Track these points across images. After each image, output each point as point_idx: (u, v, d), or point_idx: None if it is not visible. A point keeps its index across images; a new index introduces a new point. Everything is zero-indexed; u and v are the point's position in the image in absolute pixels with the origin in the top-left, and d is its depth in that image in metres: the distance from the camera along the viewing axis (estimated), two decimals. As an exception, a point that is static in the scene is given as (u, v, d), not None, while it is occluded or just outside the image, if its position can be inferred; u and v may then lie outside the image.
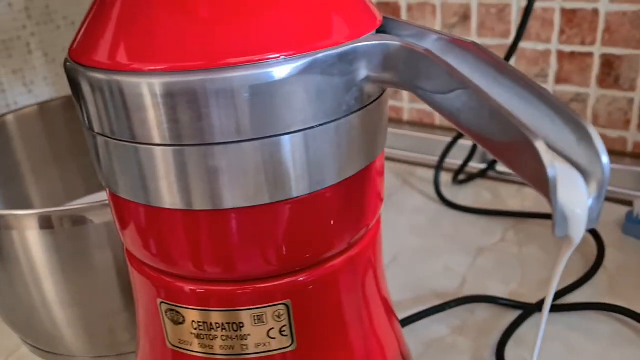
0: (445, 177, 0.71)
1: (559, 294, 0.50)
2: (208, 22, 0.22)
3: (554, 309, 0.49)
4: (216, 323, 0.27)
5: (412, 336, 0.48)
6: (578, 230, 0.20)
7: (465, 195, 0.68)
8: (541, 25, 0.67)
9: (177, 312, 0.28)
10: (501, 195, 0.67)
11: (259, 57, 0.22)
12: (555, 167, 0.18)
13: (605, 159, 0.19)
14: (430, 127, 0.80)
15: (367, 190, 0.28)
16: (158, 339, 0.29)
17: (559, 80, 0.69)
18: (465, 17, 0.72)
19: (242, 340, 0.28)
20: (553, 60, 0.68)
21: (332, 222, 0.27)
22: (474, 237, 0.60)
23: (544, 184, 0.18)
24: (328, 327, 0.29)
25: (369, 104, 0.25)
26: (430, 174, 0.72)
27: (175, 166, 0.23)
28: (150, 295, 0.28)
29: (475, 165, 0.71)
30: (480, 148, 0.72)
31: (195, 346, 0.28)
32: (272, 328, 0.27)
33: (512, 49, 0.60)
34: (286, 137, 0.23)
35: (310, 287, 0.28)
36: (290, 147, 0.23)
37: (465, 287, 0.53)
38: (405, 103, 0.81)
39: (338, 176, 0.26)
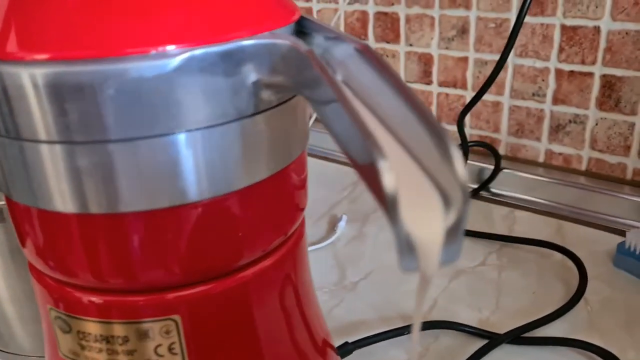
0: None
1: (532, 325, 0.47)
2: (97, 10, 0.20)
3: (525, 341, 0.46)
4: (101, 335, 0.25)
5: (368, 359, 0.45)
6: (429, 264, 0.17)
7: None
8: (540, 41, 0.64)
9: (63, 320, 0.26)
10: (492, 217, 0.64)
11: (133, 50, 0.20)
12: (395, 188, 0.15)
13: (463, 183, 0.16)
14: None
15: (281, 197, 0.26)
16: (54, 347, 0.27)
17: (556, 100, 0.66)
18: (463, 30, 0.69)
19: (128, 355, 0.25)
20: (551, 78, 0.65)
21: (239, 230, 0.24)
22: (453, 259, 0.57)
23: (387, 208, 0.16)
24: (230, 350, 0.26)
25: (271, 108, 0.23)
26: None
27: (65, 165, 0.22)
28: (42, 300, 0.26)
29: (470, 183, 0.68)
30: (473, 165, 0.69)
31: (83, 358, 0.26)
32: (160, 345, 0.25)
33: (500, 63, 0.57)
34: (179, 136, 0.21)
35: (210, 300, 0.25)
36: (184, 147, 0.22)
37: (433, 311, 0.50)
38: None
39: (244, 181, 0.23)
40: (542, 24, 0.64)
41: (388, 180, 0.15)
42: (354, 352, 0.46)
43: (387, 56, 0.78)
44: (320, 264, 0.58)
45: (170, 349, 0.25)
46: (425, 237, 0.16)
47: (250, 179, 0.24)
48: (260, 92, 0.22)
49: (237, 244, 0.25)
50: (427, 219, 0.17)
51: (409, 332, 0.47)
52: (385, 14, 0.76)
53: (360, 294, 0.53)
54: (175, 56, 0.20)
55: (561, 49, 0.64)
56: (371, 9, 0.76)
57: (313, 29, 0.25)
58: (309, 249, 0.60)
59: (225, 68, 0.21)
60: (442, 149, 0.17)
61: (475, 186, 0.68)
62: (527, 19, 0.64)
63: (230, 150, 0.23)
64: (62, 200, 0.23)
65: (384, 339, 0.47)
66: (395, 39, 0.76)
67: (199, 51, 0.20)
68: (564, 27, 0.63)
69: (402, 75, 0.77)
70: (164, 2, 0.21)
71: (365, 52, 0.21)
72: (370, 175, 0.16)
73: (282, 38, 0.21)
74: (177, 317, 0.25)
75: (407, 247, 0.16)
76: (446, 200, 0.17)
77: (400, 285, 0.54)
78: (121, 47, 0.20)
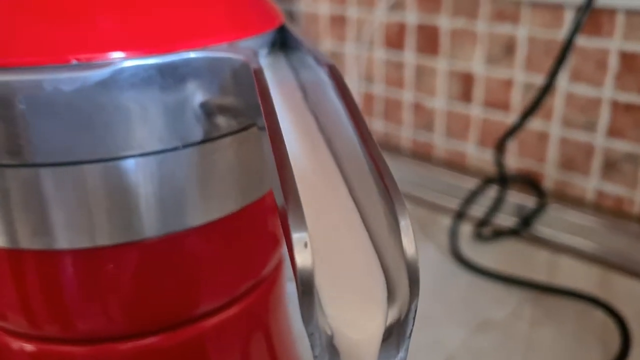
0: (469, 229, 0.65)
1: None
2: (11, 10, 0.18)
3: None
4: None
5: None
6: None
7: (487, 254, 0.61)
8: (595, 67, 0.60)
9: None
10: (531, 260, 0.60)
11: (50, 58, 0.17)
12: (309, 268, 0.12)
13: (412, 267, 0.13)
14: (460, 167, 0.73)
15: (248, 236, 0.23)
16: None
17: (610, 133, 0.61)
18: (509, 49, 0.65)
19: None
20: (605, 109, 0.61)
21: (195, 273, 0.21)
22: (482, 307, 0.53)
23: (298, 292, 0.12)
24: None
25: (230, 134, 0.20)
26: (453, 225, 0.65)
27: None
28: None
29: (509, 219, 0.64)
30: (513, 199, 0.65)
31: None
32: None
33: (546, 87, 0.53)
34: (121, 162, 0.18)
35: (160, 355, 0.22)
36: (127, 175, 0.19)
37: (449, 369, 0.46)
38: (436, 139, 0.75)
39: (199, 217, 0.20)
40: (597, 49, 0.60)
41: (301, 259, 0.12)
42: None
43: (425, 72, 0.74)
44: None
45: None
46: (355, 339, 0.13)
47: (208, 216, 0.21)
48: (211, 116, 0.19)
49: (192, 289, 0.22)
50: (358, 314, 0.13)
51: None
52: (425, 27, 0.72)
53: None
54: (100, 68, 0.17)
55: (617, 77, 0.60)
56: (411, 18, 0.73)
57: (292, 41, 0.22)
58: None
59: (165, 85, 0.18)
60: (392, 216, 0.13)
61: (515, 224, 0.64)
62: (581, 40, 0.60)
63: (181, 181, 0.20)
64: None
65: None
66: (434, 52, 0.72)
67: (130, 63, 0.17)
68: (622, 54, 0.59)
69: (439, 91, 0.74)
70: (101, 1, 0.19)
71: (334, 80, 0.18)
72: (288, 237, 0.13)
73: (237, 52, 0.18)
74: (106, 374, 0.22)
75: (327, 351, 0.13)
76: (390, 289, 0.14)
77: (415, 334, 0.51)
78: (35, 54, 0.17)
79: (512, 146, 0.69)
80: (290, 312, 0.28)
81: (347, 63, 0.82)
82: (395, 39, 0.76)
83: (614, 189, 0.63)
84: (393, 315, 0.14)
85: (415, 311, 0.13)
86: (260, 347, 0.26)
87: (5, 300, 0.22)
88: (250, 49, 0.19)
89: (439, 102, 0.74)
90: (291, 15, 0.87)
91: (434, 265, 0.60)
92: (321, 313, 0.13)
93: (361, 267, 0.14)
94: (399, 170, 0.76)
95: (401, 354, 0.13)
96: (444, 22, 0.70)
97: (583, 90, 0.62)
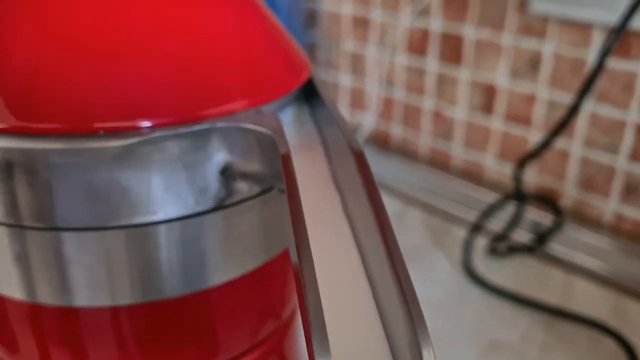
0: (483, 243, 0.65)
1: None
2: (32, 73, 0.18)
3: None
4: None
5: None
6: None
7: (500, 270, 0.61)
8: (621, 89, 0.59)
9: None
10: (544, 281, 0.60)
11: (68, 127, 0.17)
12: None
13: None
14: (477, 179, 0.73)
15: (268, 289, 0.23)
16: None
17: (632, 156, 0.61)
18: (533, 65, 0.65)
19: None
20: (629, 132, 0.60)
21: (215, 328, 0.22)
22: (493, 327, 0.53)
23: None
24: None
25: (249, 198, 0.20)
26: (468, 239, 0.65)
27: (12, 250, 0.19)
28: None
29: (524, 236, 0.64)
30: (530, 216, 0.65)
31: None
32: None
33: (574, 109, 0.53)
34: (144, 228, 0.19)
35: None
36: (149, 240, 0.20)
37: (456, 392, 0.46)
38: (454, 149, 0.75)
39: (221, 276, 0.21)
40: (626, 72, 0.59)
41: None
42: None
43: (446, 81, 0.74)
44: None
45: None
46: None
47: (229, 274, 0.21)
48: (234, 181, 0.19)
49: (211, 342, 0.23)
50: None
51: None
52: (450, 37, 0.72)
53: None
54: (126, 138, 0.17)
55: (645, 101, 0.59)
56: (436, 25, 0.73)
57: (317, 97, 0.22)
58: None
59: (189, 152, 0.18)
60: (414, 343, 0.13)
61: (530, 241, 0.64)
62: (609, 61, 0.60)
63: (201, 245, 0.20)
64: (10, 287, 0.21)
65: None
66: (457, 62, 0.72)
67: (156, 134, 0.18)
68: (651, 76, 0.58)
69: (460, 101, 0.74)
70: (127, 69, 0.19)
71: (361, 170, 0.18)
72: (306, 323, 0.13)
73: (264, 125, 0.18)
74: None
75: None
76: None
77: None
78: (62, 121, 0.17)
79: (532, 163, 0.69)
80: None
81: (368, 66, 0.82)
82: (418, 45, 0.75)
83: (633, 212, 0.63)
84: None
85: None
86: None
87: (25, 351, 0.22)
88: (276, 118, 0.19)
89: (460, 112, 0.74)
90: (313, 14, 0.86)
91: (445, 278, 0.61)
92: None
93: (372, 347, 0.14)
94: (416, 177, 0.76)
95: None
96: (469, 32, 0.70)
97: (608, 111, 0.62)
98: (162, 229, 0.19)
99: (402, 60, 0.78)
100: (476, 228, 0.65)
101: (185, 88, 0.18)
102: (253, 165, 0.19)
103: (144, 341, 0.21)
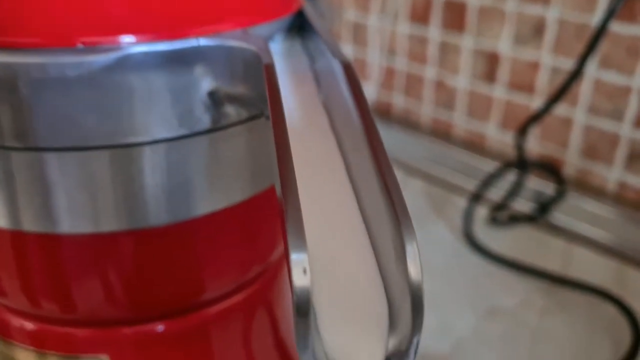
0: (484, 213, 0.64)
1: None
2: None
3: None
4: (21, 361, 0.23)
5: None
6: None
7: (501, 239, 0.61)
8: (626, 54, 0.59)
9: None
10: (545, 249, 0.59)
11: (53, 40, 0.17)
12: (307, 292, 0.12)
13: (416, 296, 0.12)
14: (479, 149, 0.73)
15: (254, 225, 0.23)
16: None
17: (637, 123, 0.60)
18: (537, 31, 0.64)
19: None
20: (633, 98, 0.60)
21: (201, 262, 0.21)
22: (492, 293, 0.53)
23: (294, 313, 0.12)
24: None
25: (236, 124, 0.20)
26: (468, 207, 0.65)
27: None
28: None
29: (526, 205, 0.64)
30: (532, 185, 0.64)
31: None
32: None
33: (575, 73, 0.53)
34: (127, 149, 0.18)
35: (161, 342, 0.22)
36: (132, 162, 0.19)
37: (454, 355, 0.46)
38: (456, 118, 0.74)
39: (207, 206, 0.20)
40: (631, 36, 0.59)
41: (299, 283, 0.12)
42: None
43: (449, 49, 0.73)
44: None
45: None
46: None
47: (215, 205, 0.21)
48: (220, 104, 0.19)
49: (197, 277, 0.22)
50: (357, 342, 0.13)
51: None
52: (452, 3, 0.71)
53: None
54: (106, 52, 0.17)
55: (650, 65, 0.59)
56: (437, -6, 0.72)
57: (309, 27, 0.22)
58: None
59: (173, 71, 0.18)
60: (399, 239, 0.13)
61: (532, 210, 0.64)
62: (613, 25, 0.59)
63: (186, 170, 0.20)
64: None
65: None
66: (460, 29, 0.71)
67: (137, 48, 0.17)
68: (656, 40, 0.58)
69: (463, 69, 0.73)
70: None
71: (349, 80, 0.17)
72: (286, 247, 0.13)
73: (249, 42, 0.18)
74: (107, 357, 0.22)
75: None
76: (392, 317, 0.13)
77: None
78: (41, 35, 0.17)
79: (534, 131, 0.68)
80: None
81: (369, 35, 0.81)
82: (420, 12, 0.75)
83: (636, 181, 0.63)
84: (394, 343, 0.13)
85: (418, 344, 0.13)
86: (264, 335, 0.26)
87: (7, 278, 0.22)
88: (262, 38, 0.19)
89: (462, 81, 0.73)
90: (315, -18, 0.85)
91: (445, 246, 0.60)
92: (317, 337, 0.13)
93: (363, 291, 0.14)
94: (417, 147, 0.76)
95: None
96: (472, -2, 0.69)
97: (612, 77, 0.61)
98: (146, 151, 0.19)
99: (404, 28, 0.77)
100: (477, 197, 0.64)
101: (169, 6, 0.18)
102: (239, 88, 0.19)
103: (127, 272, 0.21)
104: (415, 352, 0.13)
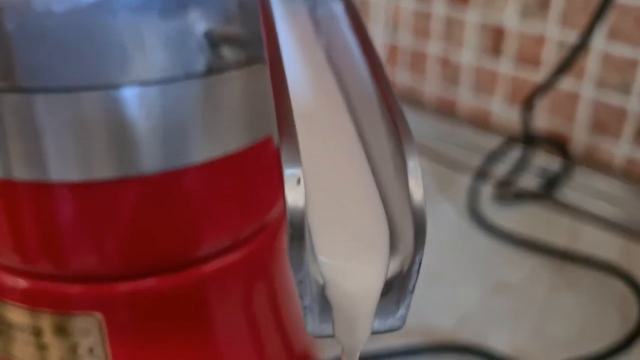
0: (489, 190, 0.64)
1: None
2: None
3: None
4: (14, 320, 0.22)
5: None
6: (353, 331, 0.12)
7: (507, 216, 0.60)
8: (634, 25, 0.58)
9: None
10: (552, 226, 0.58)
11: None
12: (301, 207, 0.11)
13: (419, 216, 0.12)
14: (485, 125, 0.72)
15: (252, 178, 0.22)
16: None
17: (646, 97, 0.59)
18: (544, 3, 0.63)
19: (42, 350, 0.22)
20: (642, 71, 0.59)
21: (196, 213, 0.21)
22: (498, 269, 0.53)
23: (287, 234, 0.11)
24: (172, 358, 0.23)
25: (232, 68, 0.19)
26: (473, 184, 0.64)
27: None
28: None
29: (532, 181, 0.63)
30: (538, 161, 0.63)
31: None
32: (78, 344, 0.22)
33: (581, 45, 0.52)
34: (118, 91, 0.18)
35: (154, 299, 0.22)
36: (124, 105, 0.18)
37: (459, 329, 0.45)
38: (461, 94, 0.74)
39: (202, 153, 0.20)
40: (638, 5, 0.58)
41: (293, 197, 0.11)
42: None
43: (454, 24, 0.72)
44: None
45: (90, 351, 0.22)
46: (349, 292, 0.12)
47: (211, 152, 0.20)
48: (215, 46, 0.18)
49: (192, 230, 0.22)
50: (355, 263, 0.12)
51: (421, 353, 0.43)
52: (457, -25, 0.70)
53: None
54: None
55: (659, 37, 0.58)
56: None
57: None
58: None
59: (164, 9, 0.17)
60: (399, 157, 0.12)
61: (539, 187, 0.63)
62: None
63: (180, 115, 0.19)
64: None
65: (391, 356, 0.43)
66: (464, 3, 0.70)
67: None
68: (666, 11, 0.57)
69: (468, 44, 0.72)
70: None
71: (348, 11, 0.17)
72: (281, 174, 0.12)
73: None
74: (100, 315, 0.22)
75: (318, 302, 0.12)
76: (393, 237, 0.13)
77: (426, 293, 0.50)
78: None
79: (540, 106, 0.67)
80: None
81: (372, 11, 0.80)
82: (424, -13, 0.74)
83: (645, 155, 0.62)
84: (395, 267, 0.13)
85: (420, 264, 0.12)
86: (262, 297, 0.25)
87: (-1, 235, 0.21)
88: None
89: (467, 56, 0.72)
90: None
91: (449, 223, 0.60)
92: (312, 259, 0.12)
93: (362, 212, 0.13)
94: (422, 124, 0.75)
95: (401, 311, 0.13)
96: (478, -29, 0.68)
97: (620, 49, 0.60)
98: (138, 93, 0.18)
99: (408, 3, 0.76)
100: (482, 174, 0.63)
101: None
102: (235, 29, 0.18)
103: (120, 224, 0.20)
104: (418, 273, 0.12)
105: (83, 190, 0.20)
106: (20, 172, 0.19)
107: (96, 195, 0.20)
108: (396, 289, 0.13)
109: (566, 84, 0.64)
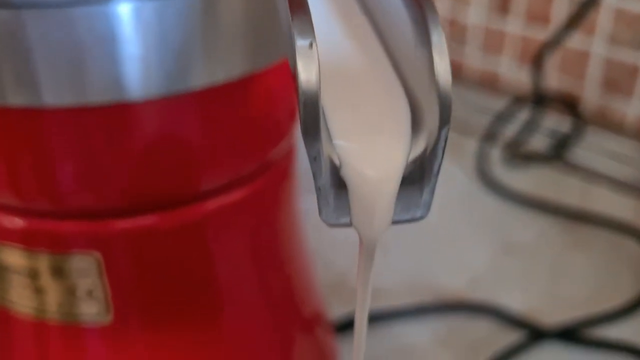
0: (498, 153, 0.63)
1: (588, 321, 0.41)
2: None
3: (577, 339, 0.41)
4: (10, 262, 0.21)
5: (382, 336, 0.41)
6: (371, 220, 0.11)
7: (517, 178, 0.59)
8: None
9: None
10: (562, 188, 0.57)
11: None
12: (314, 83, 0.10)
13: (444, 92, 0.11)
14: (493, 87, 0.70)
15: (255, 109, 0.21)
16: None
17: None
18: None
19: (40, 293, 0.21)
20: (656, 25, 0.57)
21: (196, 144, 0.20)
22: (509, 230, 0.52)
23: (299, 114, 0.10)
24: (172, 307, 0.22)
25: None
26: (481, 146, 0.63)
27: None
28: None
29: (542, 143, 0.62)
30: (549, 120, 0.62)
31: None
32: (76, 286, 0.21)
33: (591, 1, 0.50)
34: (112, 7, 0.17)
35: (152, 237, 0.21)
36: (119, 23, 0.17)
37: (471, 290, 0.45)
38: (468, 57, 0.72)
39: (203, 77, 0.19)
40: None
41: (304, 63, 0.10)
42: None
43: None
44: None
45: (89, 293, 0.21)
46: (368, 177, 0.11)
47: (212, 77, 0.19)
48: None
49: (192, 162, 0.21)
50: (376, 143, 0.11)
51: (436, 312, 0.42)
52: None
53: (387, 258, 0.49)
54: None
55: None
56: None
57: None
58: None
59: None
60: (421, 32, 0.11)
61: (549, 148, 0.62)
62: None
63: (179, 34, 0.18)
64: None
65: (403, 315, 0.42)
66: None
67: None
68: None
69: (475, 4, 0.71)
70: None
71: None
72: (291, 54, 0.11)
73: None
74: (99, 254, 0.21)
75: (332, 187, 0.11)
76: (415, 116, 0.12)
77: (437, 254, 0.49)
78: None
79: (550, 64, 0.66)
80: (304, 228, 0.27)
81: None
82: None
83: (658, 114, 0.61)
84: (418, 148, 0.12)
85: (446, 141, 0.12)
86: (266, 240, 0.24)
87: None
88: None
89: (474, 15, 0.71)
90: None
91: (458, 185, 0.59)
92: (328, 141, 0.11)
93: (380, 93, 0.12)
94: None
95: (425, 197, 0.12)
96: None
97: (633, 4, 0.59)
98: (133, 9, 0.17)
99: (413, -37, 0.74)
100: (490, 135, 0.62)
101: None
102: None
103: (117, 154, 0.19)
104: (443, 152, 0.11)
105: (77, 116, 0.19)
106: (14, 96, 0.18)
107: (91, 122, 0.19)
108: (419, 171, 0.12)
109: (576, 41, 0.63)
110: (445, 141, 0.12)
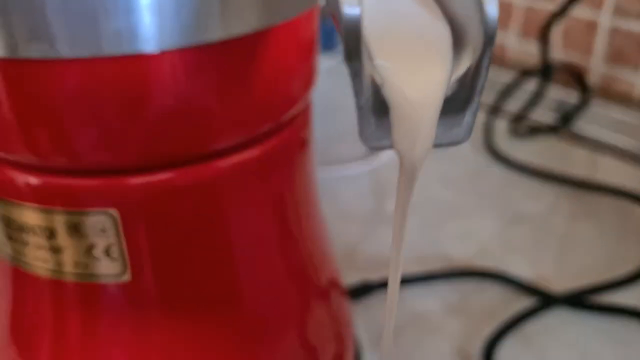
0: (505, 125, 0.62)
1: (598, 287, 0.41)
2: None
3: (586, 305, 0.41)
4: (26, 222, 0.21)
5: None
6: (413, 140, 0.11)
7: (523, 150, 0.59)
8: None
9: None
10: (570, 158, 0.57)
11: None
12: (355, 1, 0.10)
13: (492, 10, 0.11)
14: (499, 60, 0.70)
15: (270, 67, 0.21)
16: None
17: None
18: None
19: (56, 253, 0.21)
20: (664, -5, 0.57)
21: (209, 100, 0.20)
22: (516, 200, 0.52)
23: (340, 34, 0.10)
24: (188, 265, 0.22)
25: None
26: (488, 119, 0.63)
27: None
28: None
29: (548, 115, 0.61)
30: (555, 94, 0.62)
31: (9, 249, 0.22)
32: (94, 245, 0.21)
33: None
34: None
35: (166, 194, 0.21)
36: None
37: (480, 260, 0.45)
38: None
39: (217, 31, 0.19)
40: None
41: None
42: (374, 294, 0.41)
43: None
44: (353, 189, 0.53)
45: (107, 252, 0.21)
46: (410, 98, 0.11)
47: (226, 30, 0.19)
48: None
49: (205, 119, 0.21)
50: (417, 62, 0.11)
51: (446, 278, 0.42)
52: None
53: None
54: None
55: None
56: None
57: None
58: (343, 169, 0.55)
59: None
60: None
61: (556, 121, 0.62)
62: None
63: None
64: None
65: (414, 282, 0.42)
66: None
67: None
68: None
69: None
70: None
71: None
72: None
73: None
74: (116, 212, 0.21)
75: (374, 107, 0.11)
76: (457, 36, 0.11)
77: (446, 224, 0.49)
78: None
79: (556, 37, 0.65)
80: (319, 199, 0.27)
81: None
82: None
83: (665, 84, 0.60)
84: (460, 67, 0.12)
85: (490, 59, 0.11)
86: (282, 201, 0.24)
87: (5, 126, 0.20)
88: None
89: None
90: None
91: (466, 158, 0.59)
92: (369, 62, 0.11)
93: (420, 13, 0.12)
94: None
95: (467, 118, 0.12)
96: None
97: (640, -27, 0.58)
98: None
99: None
100: (497, 108, 0.62)
101: None
102: None
103: (131, 107, 0.19)
104: (487, 70, 0.11)
105: (92, 68, 0.19)
106: (28, 50, 0.18)
107: (106, 74, 0.19)
108: (462, 92, 0.12)
109: (583, 12, 0.62)
110: (490, 59, 0.12)
